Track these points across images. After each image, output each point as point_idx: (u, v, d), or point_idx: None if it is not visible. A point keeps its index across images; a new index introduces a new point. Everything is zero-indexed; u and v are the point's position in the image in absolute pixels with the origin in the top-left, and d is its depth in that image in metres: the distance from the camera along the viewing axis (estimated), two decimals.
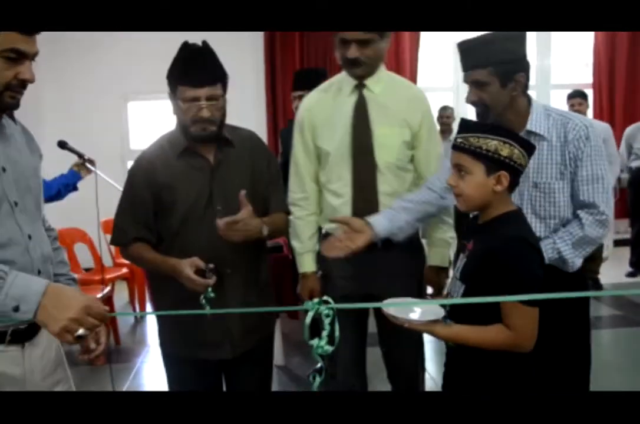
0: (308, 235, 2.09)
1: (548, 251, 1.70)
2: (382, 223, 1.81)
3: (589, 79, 6.45)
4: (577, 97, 4.96)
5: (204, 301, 1.68)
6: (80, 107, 5.65)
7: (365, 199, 1.98)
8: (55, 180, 2.86)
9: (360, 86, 1.98)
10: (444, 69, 6.45)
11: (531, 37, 6.23)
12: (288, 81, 6.00)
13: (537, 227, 1.78)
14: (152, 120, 5.77)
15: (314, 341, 1.28)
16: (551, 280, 1.57)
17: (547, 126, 1.77)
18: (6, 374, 1.33)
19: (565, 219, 1.78)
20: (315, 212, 2.10)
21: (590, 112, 6.06)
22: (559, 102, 5.35)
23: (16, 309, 1.17)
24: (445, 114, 5.28)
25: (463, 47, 1.77)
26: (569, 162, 1.74)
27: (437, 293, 2.06)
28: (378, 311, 2.02)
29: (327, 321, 1.29)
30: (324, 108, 2.03)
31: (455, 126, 4.77)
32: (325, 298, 1.30)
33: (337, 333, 1.28)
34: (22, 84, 1.28)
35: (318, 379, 1.30)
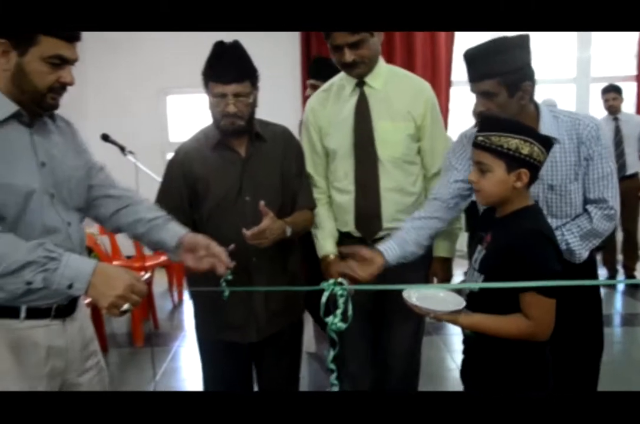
0: (327, 223, 2.10)
1: None
2: (393, 251, 1.78)
3: (633, 71, 6.19)
4: (611, 91, 4.95)
5: (224, 283, 1.72)
6: (122, 101, 5.81)
7: (367, 195, 2.00)
8: None
9: (360, 84, 2.00)
10: None
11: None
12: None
13: (555, 225, 1.79)
14: (190, 113, 5.89)
15: (329, 319, 1.38)
16: (564, 272, 1.60)
17: (557, 129, 1.78)
18: (53, 346, 1.47)
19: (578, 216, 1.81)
20: (328, 201, 2.13)
21: (633, 105, 5.95)
22: (599, 95, 5.23)
23: (70, 287, 1.29)
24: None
25: (469, 57, 1.75)
26: (582, 162, 1.77)
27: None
28: (387, 303, 2.08)
29: (341, 300, 1.40)
30: (327, 108, 2.06)
31: None
32: (340, 279, 1.40)
33: (350, 312, 1.40)
34: (63, 87, 1.41)
35: (332, 353, 1.43)
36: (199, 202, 1.90)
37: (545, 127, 1.77)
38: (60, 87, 1.40)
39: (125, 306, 1.32)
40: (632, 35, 6.22)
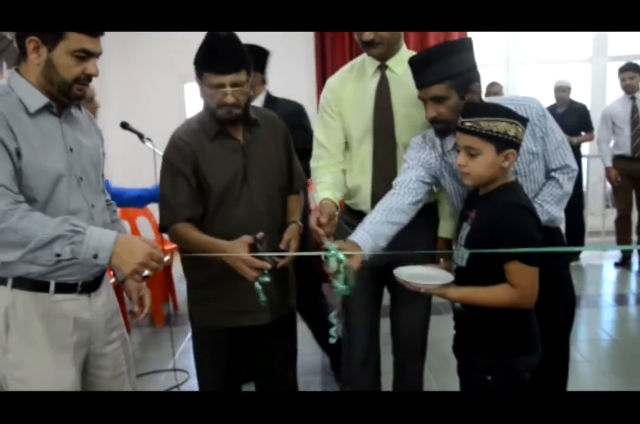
0: (329, 179, 2.05)
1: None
2: (367, 243, 1.71)
3: None
4: (628, 70, 4.82)
5: (259, 286, 1.74)
6: (140, 89, 5.90)
7: (384, 178, 1.99)
8: (139, 190, 2.98)
9: (382, 67, 1.99)
10: (495, 45, 6.37)
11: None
12: (338, 54, 6.06)
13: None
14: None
15: (334, 283, 1.57)
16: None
17: None
18: (79, 318, 1.59)
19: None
20: (339, 161, 2.08)
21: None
22: (616, 75, 5.15)
23: (95, 257, 1.40)
24: (493, 90, 5.21)
25: (417, 63, 1.75)
26: (538, 140, 1.82)
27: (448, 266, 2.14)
28: (392, 284, 2.08)
29: (340, 266, 1.57)
30: (347, 87, 2.04)
31: None
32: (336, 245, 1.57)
33: (351, 280, 1.58)
34: (88, 78, 1.52)
35: (333, 314, 1.66)
36: (204, 193, 1.88)
37: None
38: (85, 79, 1.51)
39: (146, 272, 1.43)
40: None
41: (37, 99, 1.49)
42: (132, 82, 5.92)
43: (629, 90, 4.85)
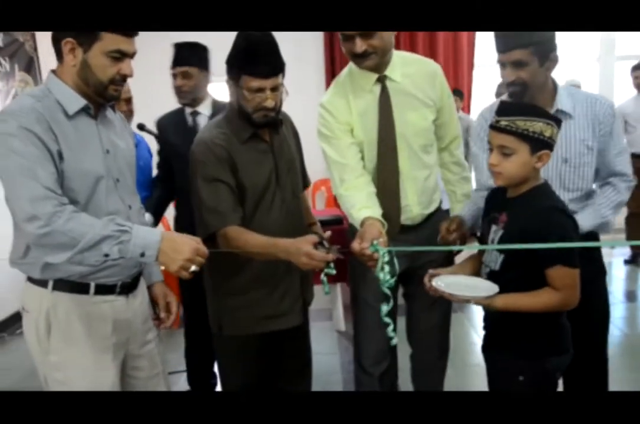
0: (362, 197, 1.92)
1: (591, 218, 1.82)
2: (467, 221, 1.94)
3: None
4: None
5: (325, 278, 1.72)
6: (156, 90, 5.90)
7: (387, 194, 1.96)
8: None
9: (381, 78, 1.92)
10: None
11: None
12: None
13: (566, 198, 1.86)
14: (224, 100, 5.92)
15: (381, 275, 1.59)
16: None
17: (573, 105, 1.86)
18: (118, 319, 1.61)
19: (587, 190, 1.90)
20: (362, 174, 1.96)
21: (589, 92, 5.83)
22: (624, 74, 5.16)
23: (142, 255, 1.41)
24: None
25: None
26: (596, 138, 1.85)
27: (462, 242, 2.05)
28: (409, 288, 2.14)
29: (386, 259, 1.60)
30: (350, 105, 1.95)
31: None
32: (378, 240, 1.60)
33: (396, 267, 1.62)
34: (123, 79, 1.53)
35: (385, 307, 1.65)
36: (242, 196, 1.85)
37: (562, 102, 1.85)
38: (120, 79, 1.52)
39: (193, 268, 1.43)
40: None
41: (75, 101, 1.50)
42: (147, 83, 5.92)
43: None
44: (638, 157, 4.81)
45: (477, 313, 3.83)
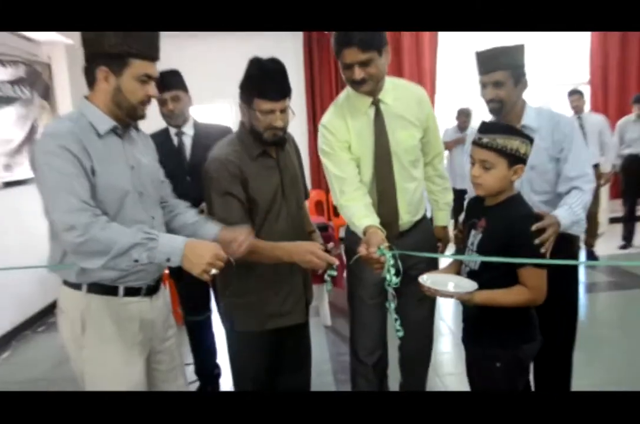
0: (361, 208, 1.92)
1: (567, 216, 1.78)
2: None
3: (587, 77, 6.38)
4: (575, 94, 5.06)
5: (328, 278, 1.72)
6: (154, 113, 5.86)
7: (386, 205, 1.96)
8: None
9: (375, 101, 1.93)
10: (459, 74, 6.44)
11: (539, 38, 6.11)
12: (325, 81, 6.10)
13: (536, 200, 1.93)
14: (212, 121, 5.87)
15: (387, 276, 1.61)
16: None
17: (538, 121, 1.93)
18: (144, 319, 1.58)
19: (554, 193, 1.94)
20: (359, 188, 1.94)
21: (588, 106, 6.05)
22: (561, 98, 5.35)
23: (168, 260, 1.39)
24: (463, 116, 5.34)
25: (482, 55, 1.92)
26: (557, 147, 1.91)
27: (444, 247, 2.13)
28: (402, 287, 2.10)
29: (391, 262, 1.60)
30: (348, 125, 1.95)
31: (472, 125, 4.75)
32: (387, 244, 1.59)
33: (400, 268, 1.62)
34: (149, 99, 1.52)
35: (393, 305, 1.66)
36: (252, 209, 1.83)
37: (529, 117, 1.94)
38: (147, 100, 1.51)
39: (213, 271, 1.42)
40: (586, 46, 6.33)
41: (106, 122, 1.49)
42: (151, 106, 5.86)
43: (576, 110, 5.07)
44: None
45: (445, 307, 3.86)
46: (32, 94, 4.23)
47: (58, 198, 1.37)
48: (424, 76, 6.14)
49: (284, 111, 1.77)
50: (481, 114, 5.83)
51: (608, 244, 5.35)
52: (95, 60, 1.45)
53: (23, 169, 4.07)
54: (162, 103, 2.50)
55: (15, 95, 4.00)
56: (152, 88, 1.51)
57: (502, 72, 1.88)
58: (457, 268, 1.78)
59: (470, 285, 1.59)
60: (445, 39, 6.25)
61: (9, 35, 3.97)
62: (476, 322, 1.71)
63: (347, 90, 1.98)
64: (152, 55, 1.49)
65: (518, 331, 1.63)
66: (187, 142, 2.55)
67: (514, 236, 1.55)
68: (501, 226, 1.58)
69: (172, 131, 2.56)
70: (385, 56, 1.85)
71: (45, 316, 4.21)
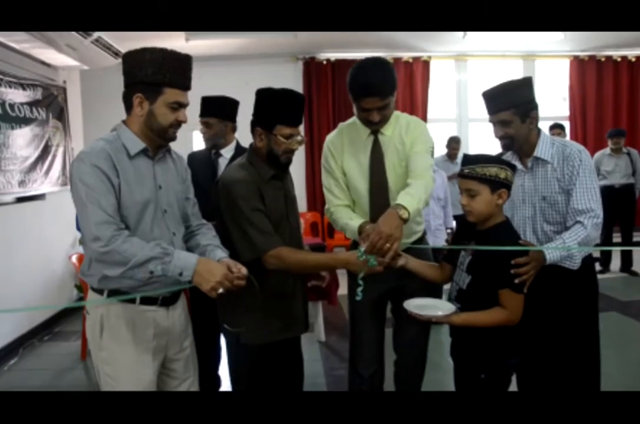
0: (348, 211, 2.03)
1: (555, 250, 1.79)
2: None
3: (567, 112, 6.58)
4: (556, 128, 5.25)
5: (360, 282, 1.76)
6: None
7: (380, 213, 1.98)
8: None
9: (375, 132, 1.98)
10: (449, 104, 6.60)
11: (518, 76, 6.41)
12: (323, 106, 6.19)
13: (548, 229, 1.96)
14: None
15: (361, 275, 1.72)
16: (566, 277, 1.86)
17: (551, 152, 1.94)
18: (158, 326, 1.65)
19: (565, 224, 1.92)
20: (346, 203, 2.04)
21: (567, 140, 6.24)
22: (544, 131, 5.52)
23: (180, 274, 1.49)
24: (453, 142, 5.48)
25: (487, 95, 1.93)
26: (567, 179, 1.90)
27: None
28: (395, 303, 2.13)
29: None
30: (347, 149, 2.03)
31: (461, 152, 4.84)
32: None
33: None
34: (179, 124, 1.63)
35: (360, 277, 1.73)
36: None
37: (540, 149, 1.95)
38: (177, 124, 1.62)
39: (221, 290, 1.51)
40: (564, 82, 6.54)
41: (137, 144, 1.59)
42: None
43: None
44: None
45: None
46: (47, 115, 4.35)
47: (87, 211, 1.47)
48: (416, 105, 6.33)
49: (298, 135, 1.87)
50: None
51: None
52: (133, 88, 1.56)
53: (36, 185, 4.17)
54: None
55: (32, 116, 4.11)
56: (182, 114, 1.61)
57: (506, 112, 1.88)
58: (438, 274, 1.89)
59: (447, 308, 1.69)
60: (437, 68, 6.44)
61: (29, 60, 4.11)
62: (462, 338, 1.79)
63: (355, 119, 2.03)
64: (184, 84, 1.59)
65: (501, 346, 1.72)
66: (222, 163, 2.62)
67: (500, 260, 1.64)
68: (489, 252, 1.66)
69: (212, 151, 2.67)
70: (395, 93, 1.91)
71: (51, 326, 4.25)
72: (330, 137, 2.10)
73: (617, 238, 5.66)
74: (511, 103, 1.88)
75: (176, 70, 1.56)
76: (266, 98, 1.84)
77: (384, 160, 2.00)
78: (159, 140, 1.62)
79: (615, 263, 5.61)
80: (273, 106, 1.82)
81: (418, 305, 1.72)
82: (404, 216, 1.70)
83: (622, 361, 3.20)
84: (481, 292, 1.69)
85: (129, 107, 1.60)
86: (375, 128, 1.97)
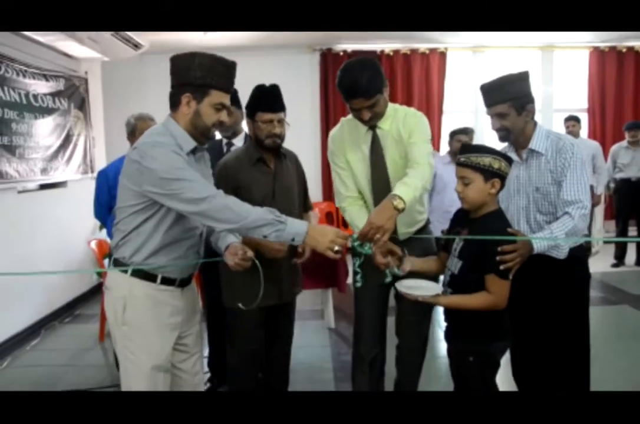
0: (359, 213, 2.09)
1: (543, 240, 1.81)
2: None
3: (585, 105, 6.51)
4: (571, 120, 5.21)
5: (358, 269, 1.92)
6: None
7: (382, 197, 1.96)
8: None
9: (373, 127, 2.04)
10: (467, 96, 6.54)
11: (536, 67, 6.33)
12: (339, 96, 6.28)
13: (540, 219, 2.00)
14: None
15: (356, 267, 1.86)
16: (560, 266, 1.89)
17: (546, 145, 1.97)
18: (175, 305, 1.76)
19: (556, 214, 1.96)
20: (356, 197, 2.12)
21: (585, 132, 6.19)
22: (560, 123, 5.47)
23: (292, 240, 1.59)
24: (462, 134, 5.45)
25: (485, 88, 1.98)
26: (559, 171, 1.94)
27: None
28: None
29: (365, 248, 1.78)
30: (348, 143, 2.11)
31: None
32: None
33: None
34: (221, 124, 1.72)
35: (357, 262, 1.88)
36: None
37: (535, 141, 1.98)
38: (219, 124, 1.70)
39: (337, 248, 1.59)
40: (584, 74, 6.47)
41: (189, 143, 1.67)
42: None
43: (572, 135, 5.13)
44: None
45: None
46: (69, 105, 4.49)
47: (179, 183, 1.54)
48: (432, 96, 6.32)
49: (280, 121, 2.09)
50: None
51: (602, 263, 5.46)
52: (182, 88, 1.64)
53: (58, 173, 4.33)
54: None
55: (54, 106, 4.26)
56: (224, 115, 1.69)
57: (502, 104, 1.92)
58: (437, 267, 1.96)
59: (433, 289, 1.77)
60: (453, 62, 6.43)
61: (53, 52, 4.25)
62: (454, 322, 1.86)
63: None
64: (228, 87, 1.68)
65: (489, 330, 1.77)
66: None
67: (489, 247, 1.69)
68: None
69: (224, 141, 2.77)
70: (385, 92, 1.97)
71: (71, 309, 4.43)
72: (333, 132, 2.19)
73: (632, 231, 5.62)
74: (508, 96, 1.92)
75: (223, 74, 1.65)
76: (251, 93, 2.13)
77: (384, 153, 2.06)
78: (200, 138, 1.69)
79: (631, 257, 5.57)
80: (252, 97, 2.12)
81: (408, 286, 1.80)
82: (400, 207, 1.75)
83: (633, 354, 3.22)
84: (470, 277, 1.74)
85: (174, 104, 1.68)
86: (369, 124, 2.03)
